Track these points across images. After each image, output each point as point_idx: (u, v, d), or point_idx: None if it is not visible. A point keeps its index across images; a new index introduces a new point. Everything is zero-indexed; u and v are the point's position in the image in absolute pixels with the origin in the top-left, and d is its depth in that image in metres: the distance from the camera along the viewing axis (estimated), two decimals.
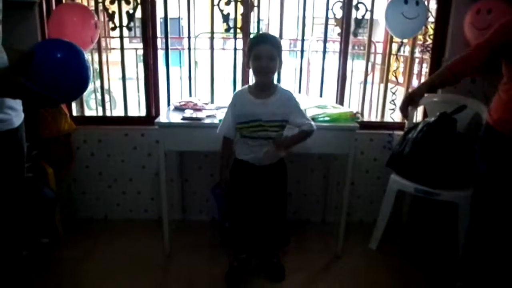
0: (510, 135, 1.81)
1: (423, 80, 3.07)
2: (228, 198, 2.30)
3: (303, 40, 2.88)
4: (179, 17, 2.89)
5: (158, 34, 2.82)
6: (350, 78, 3.23)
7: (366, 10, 2.69)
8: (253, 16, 2.73)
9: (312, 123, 2.06)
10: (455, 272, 2.28)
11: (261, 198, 2.19)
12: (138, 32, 2.78)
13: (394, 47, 2.98)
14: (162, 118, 2.40)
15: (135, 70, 3.48)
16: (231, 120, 2.07)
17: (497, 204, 1.91)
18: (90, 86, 5.12)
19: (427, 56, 2.89)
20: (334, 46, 3.56)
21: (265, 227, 2.27)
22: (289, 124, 2.07)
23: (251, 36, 2.62)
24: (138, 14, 2.71)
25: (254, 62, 1.96)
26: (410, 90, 2.94)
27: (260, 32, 2.86)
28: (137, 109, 3.31)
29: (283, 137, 2.05)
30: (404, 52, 3.43)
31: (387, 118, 2.90)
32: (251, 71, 2.08)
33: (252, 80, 2.16)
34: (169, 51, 2.83)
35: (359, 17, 2.70)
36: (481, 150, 1.97)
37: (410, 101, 2.02)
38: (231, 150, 2.16)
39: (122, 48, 2.84)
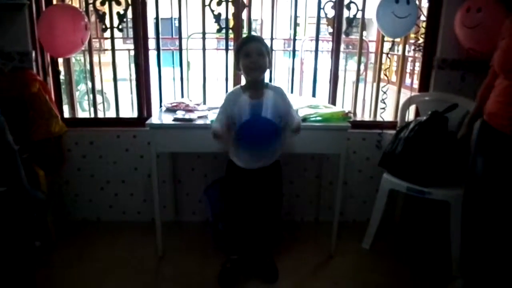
0: (499, 129, 1.82)
1: (415, 78, 3.08)
2: (224, 199, 2.30)
3: (294, 39, 2.89)
4: (171, 18, 2.89)
5: (151, 34, 2.81)
6: (343, 77, 3.23)
7: (358, 9, 2.69)
8: (246, 16, 2.73)
9: (298, 117, 2.14)
10: (451, 269, 2.30)
11: (257, 200, 2.19)
12: (131, 32, 2.77)
13: (387, 46, 2.97)
14: (154, 119, 2.39)
15: (128, 71, 3.47)
16: (224, 119, 2.04)
17: (490, 198, 1.92)
18: (83, 87, 5.09)
19: (419, 55, 2.89)
20: (328, 46, 3.56)
21: (260, 228, 2.28)
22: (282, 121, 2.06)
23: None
24: (131, 13, 2.70)
25: (244, 60, 1.98)
26: (402, 88, 2.96)
27: (252, 32, 2.86)
28: (131, 110, 3.30)
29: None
30: (398, 51, 3.43)
31: (380, 117, 2.90)
32: (241, 74, 2.09)
33: (243, 81, 2.14)
34: (161, 51, 2.82)
35: (351, 16, 2.70)
36: (477, 145, 1.98)
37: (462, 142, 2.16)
38: None
39: (113, 49, 2.83)
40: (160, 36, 2.79)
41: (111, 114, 3.16)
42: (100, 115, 2.99)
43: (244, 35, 2.76)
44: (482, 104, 2.01)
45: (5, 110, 2.41)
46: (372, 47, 4.33)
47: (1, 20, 2.46)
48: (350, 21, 2.71)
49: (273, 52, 2.81)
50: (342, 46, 3.00)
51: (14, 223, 1.72)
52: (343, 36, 2.77)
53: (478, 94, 2.08)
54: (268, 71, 2.12)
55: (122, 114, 2.96)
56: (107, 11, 2.67)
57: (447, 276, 2.32)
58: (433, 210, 2.71)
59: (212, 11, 2.65)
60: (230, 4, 2.65)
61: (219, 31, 2.75)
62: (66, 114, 2.87)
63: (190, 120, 2.32)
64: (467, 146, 2.12)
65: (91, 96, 2.94)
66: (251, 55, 1.96)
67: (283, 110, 2.05)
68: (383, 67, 2.91)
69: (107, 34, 2.76)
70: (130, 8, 2.64)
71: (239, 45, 2.06)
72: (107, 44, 3.72)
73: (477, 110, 2.06)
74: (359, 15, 2.73)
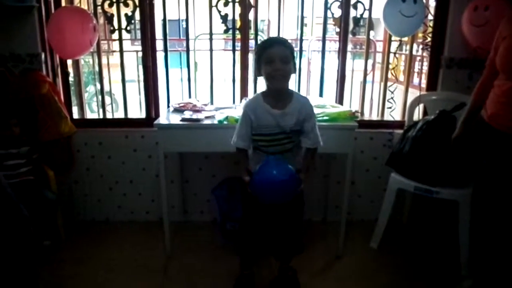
0: (503, 130, 1.81)
1: (423, 78, 3.07)
2: (243, 209, 2.12)
3: (301, 39, 2.89)
4: (179, 19, 2.91)
5: (158, 36, 2.83)
6: (351, 77, 3.23)
7: (365, 9, 2.69)
8: (253, 16, 2.74)
9: (320, 139, 1.93)
10: (460, 269, 2.29)
11: (278, 211, 2.01)
12: (139, 34, 2.79)
13: (395, 45, 2.97)
14: (162, 119, 2.41)
15: (136, 72, 3.49)
16: (248, 131, 1.88)
17: (497, 199, 1.91)
18: (92, 89, 5.15)
19: (427, 54, 2.87)
20: (335, 45, 3.56)
21: (281, 235, 2.11)
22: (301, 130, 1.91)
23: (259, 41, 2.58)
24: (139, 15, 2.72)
25: (266, 67, 1.77)
26: (410, 88, 2.95)
27: (259, 33, 2.86)
28: (139, 111, 3.33)
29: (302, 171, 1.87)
30: (406, 50, 3.41)
31: (387, 117, 2.89)
32: (262, 79, 1.88)
33: (262, 87, 1.96)
34: (169, 52, 2.84)
35: (358, 16, 2.70)
36: (479, 146, 1.97)
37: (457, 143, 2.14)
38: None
39: (121, 51, 2.85)
40: (168, 37, 2.82)
41: (120, 115, 3.18)
42: (109, 116, 3.01)
43: (251, 35, 2.77)
44: (477, 104, 1.99)
45: (15, 111, 2.47)
46: (379, 46, 4.32)
47: (11, 22, 2.50)
48: (357, 20, 2.71)
49: None
50: (350, 46, 3.00)
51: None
52: (350, 36, 2.77)
53: (473, 94, 2.05)
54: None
55: (130, 115, 2.98)
56: (115, 13, 2.70)
57: (456, 276, 2.30)
58: (441, 210, 2.70)
59: (219, 12, 2.66)
60: (237, 4, 2.66)
61: (226, 31, 2.76)
62: (75, 115, 2.90)
63: (198, 120, 2.33)
64: (473, 147, 2.10)
65: (99, 97, 2.96)
66: (274, 61, 1.75)
67: (304, 120, 1.88)
68: (390, 66, 2.91)
69: (115, 35, 2.79)
70: (137, 9, 2.67)
71: (260, 48, 1.83)
72: (115, 45, 3.75)
73: (472, 110, 2.04)
74: (366, 15, 2.72)
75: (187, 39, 2.87)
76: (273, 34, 2.94)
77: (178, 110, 2.54)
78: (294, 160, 1.92)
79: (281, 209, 1.99)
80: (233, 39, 2.79)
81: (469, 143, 2.06)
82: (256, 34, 2.85)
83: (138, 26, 2.79)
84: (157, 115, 2.81)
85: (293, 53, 1.83)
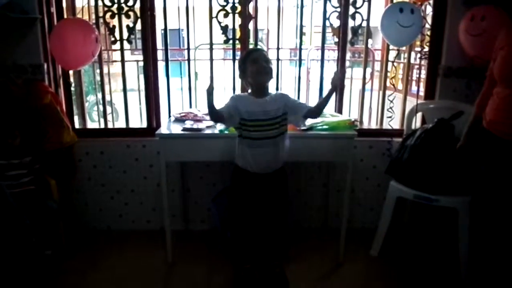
0: (501, 137, 1.84)
1: (422, 86, 3.10)
2: (230, 206, 2.33)
3: (300, 49, 2.92)
4: (179, 29, 2.94)
5: (159, 46, 2.86)
6: (350, 86, 3.26)
7: (363, 19, 2.72)
8: (252, 26, 2.77)
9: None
10: (460, 277, 2.30)
11: (263, 207, 2.22)
12: (140, 43, 2.83)
13: (393, 54, 3.00)
14: (163, 129, 2.44)
15: (137, 82, 3.52)
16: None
17: (496, 206, 1.93)
18: (92, 98, 5.18)
19: (425, 62, 2.90)
20: (334, 54, 3.59)
21: (267, 236, 2.29)
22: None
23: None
24: (140, 25, 2.75)
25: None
26: (408, 97, 2.98)
27: (259, 42, 2.90)
28: (139, 120, 3.35)
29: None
30: (404, 59, 3.45)
31: (386, 125, 2.92)
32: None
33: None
34: (169, 62, 2.87)
35: (356, 26, 2.73)
36: (478, 152, 1.99)
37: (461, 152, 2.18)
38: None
39: (122, 61, 2.88)
40: (168, 47, 2.85)
41: (121, 124, 3.20)
42: (110, 125, 3.04)
43: (250, 45, 2.80)
44: (479, 113, 2.02)
45: (18, 121, 2.49)
46: (377, 55, 4.35)
47: (15, 33, 2.53)
48: (355, 30, 2.74)
49: (280, 61, 2.86)
50: (348, 55, 3.03)
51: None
52: (348, 45, 2.80)
53: (475, 104, 2.08)
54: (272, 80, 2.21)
55: (131, 125, 3.00)
56: (116, 24, 2.73)
57: (456, 284, 2.31)
58: (440, 217, 2.71)
59: (219, 23, 2.69)
60: (236, 15, 2.69)
61: (226, 42, 2.79)
62: (77, 125, 2.92)
63: (199, 129, 2.36)
64: (472, 154, 2.13)
65: (100, 106, 2.98)
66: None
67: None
68: (389, 75, 2.93)
69: (116, 46, 2.82)
70: (139, 20, 2.70)
71: (245, 55, 2.19)
72: (115, 55, 3.78)
73: (475, 120, 2.07)
74: (364, 24, 2.75)
75: (188, 49, 2.90)
76: (273, 43, 2.97)
77: (179, 119, 2.56)
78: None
79: (267, 207, 2.24)
80: (233, 49, 2.82)
81: (472, 151, 2.08)
82: (256, 44, 2.88)
83: (138, 36, 2.82)
84: (158, 125, 2.83)
85: (271, 61, 2.16)
